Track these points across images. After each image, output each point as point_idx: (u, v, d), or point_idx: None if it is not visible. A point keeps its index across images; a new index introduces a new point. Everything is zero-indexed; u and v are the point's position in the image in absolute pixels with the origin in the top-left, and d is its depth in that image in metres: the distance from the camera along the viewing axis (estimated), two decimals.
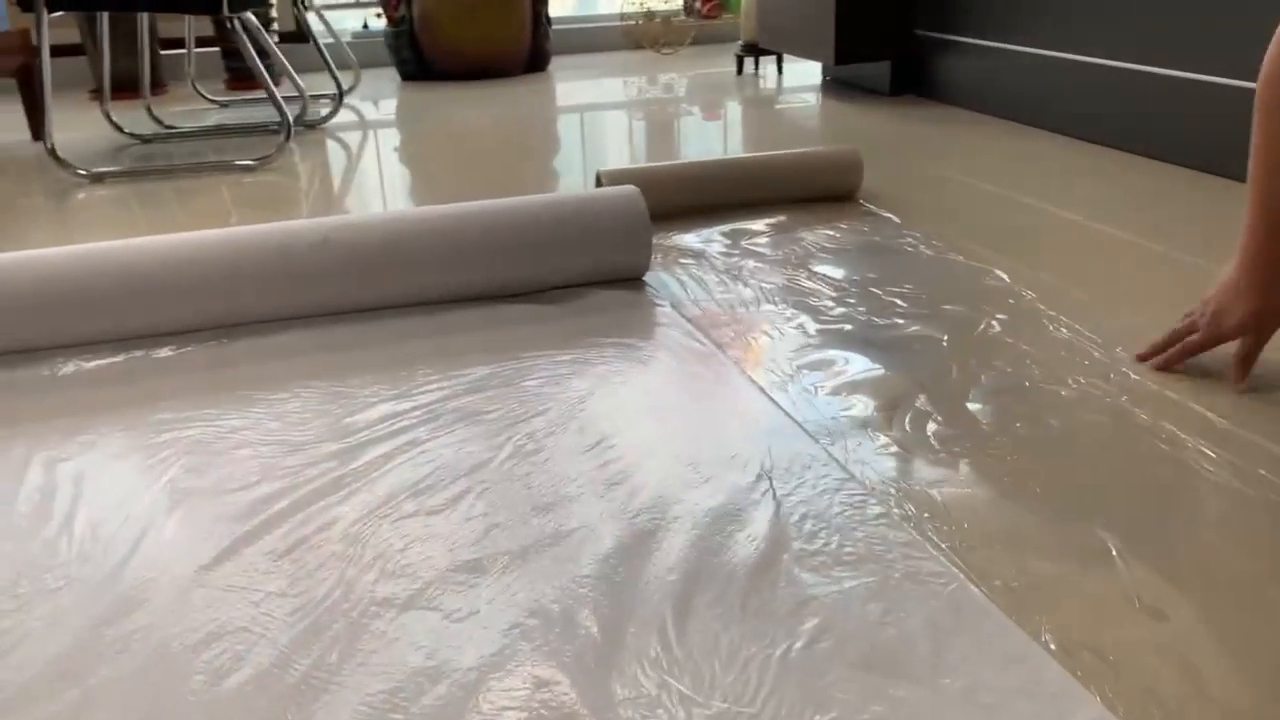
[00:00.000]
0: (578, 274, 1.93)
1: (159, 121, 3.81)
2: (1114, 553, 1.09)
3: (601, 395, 1.51)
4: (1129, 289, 1.86)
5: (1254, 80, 1.40)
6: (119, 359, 1.71)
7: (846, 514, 1.19)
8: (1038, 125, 3.23)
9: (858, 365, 1.60)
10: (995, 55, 3.38)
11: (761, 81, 4.61)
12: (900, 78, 3.87)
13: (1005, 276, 1.95)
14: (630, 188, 1.99)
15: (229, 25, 3.24)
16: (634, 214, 1.94)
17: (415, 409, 1.49)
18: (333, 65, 3.96)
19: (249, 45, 3.18)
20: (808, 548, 1.12)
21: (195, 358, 1.70)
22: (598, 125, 3.80)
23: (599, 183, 2.38)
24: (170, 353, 1.72)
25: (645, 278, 2.02)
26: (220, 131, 3.81)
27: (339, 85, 3.90)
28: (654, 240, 2.26)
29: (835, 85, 4.31)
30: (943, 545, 1.12)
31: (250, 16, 3.33)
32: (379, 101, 4.50)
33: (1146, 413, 1.40)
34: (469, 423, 1.44)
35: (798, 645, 0.97)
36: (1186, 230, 2.18)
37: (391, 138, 3.67)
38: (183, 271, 1.75)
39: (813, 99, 4.07)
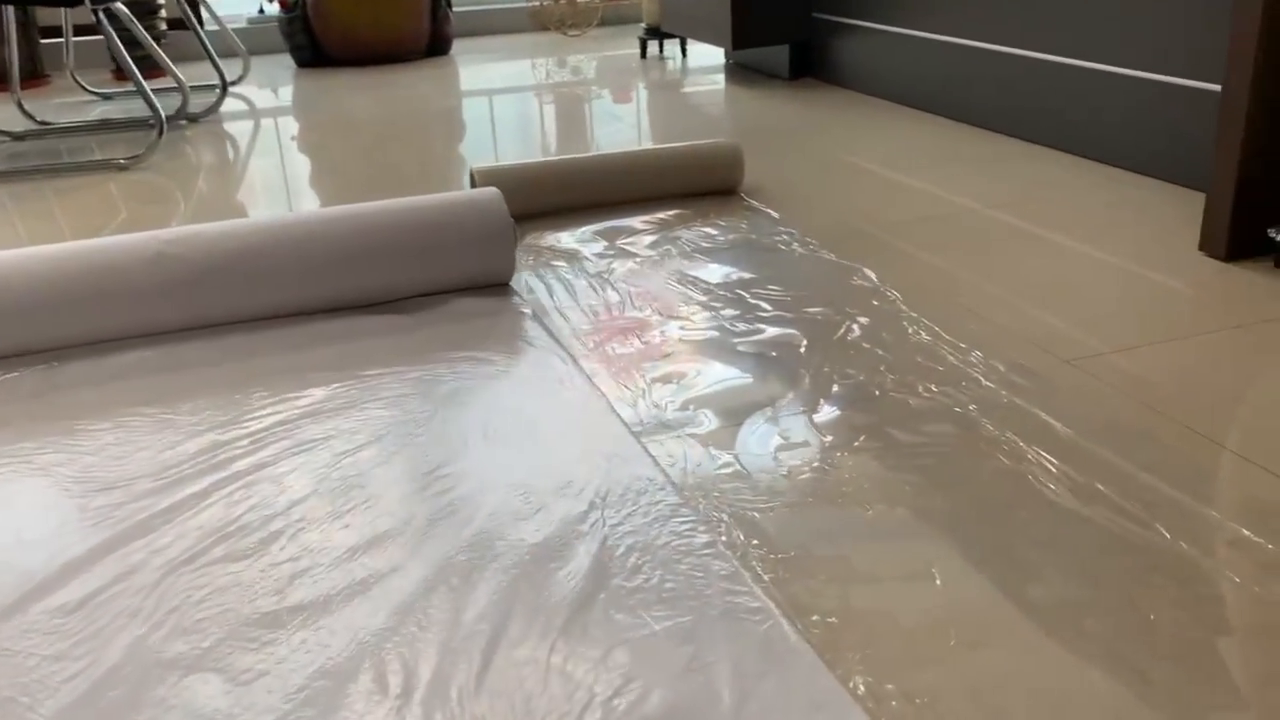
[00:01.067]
0: (437, 281, 1.86)
1: (30, 116, 3.64)
2: (938, 580, 1.07)
3: (443, 418, 1.45)
4: (1003, 280, 1.84)
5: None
6: None
7: (674, 544, 1.14)
8: (931, 110, 3.22)
9: (711, 376, 1.56)
10: (891, 40, 3.36)
11: (667, 64, 4.55)
12: (799, 62, 3.84)
13: (873, 276, 1.92)
14: (492, 190, 1.92)
15: (95, 17, 3.09)
16: (496, 217, 1.88)
17: (243, 437, 1.42)
18: (214, 55, 3.81)
19: (115, 37, 3.04)
20: (627, 584, 1.08)
21: (20, 384, 1.61)
22: (499, 111, 3.71)
23: (473, 181, 2.31)
24: None
25: (514, 281, 1.96)
26: (104, 126, 3.65)
27: (222, 76, 3.76)
28: (528, 240, 2.20)
29: (738, 69, 4.26)
30: (764, 578, 1.08)
31: (120, 7, 3.18)
32: (276, 89, 4.36)
33: (993, 422, 1.37)
34: (296, 452, 1.37)
35: (598, 699, 0.92)
36: (1061, 213, 2.18)
37: (283, 128, 3.55)
38: (9, 289, 1.65)
39: (714, 82, 4.02)
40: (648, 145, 2.47)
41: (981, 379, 1.49)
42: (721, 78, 4.12)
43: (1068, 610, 1.01)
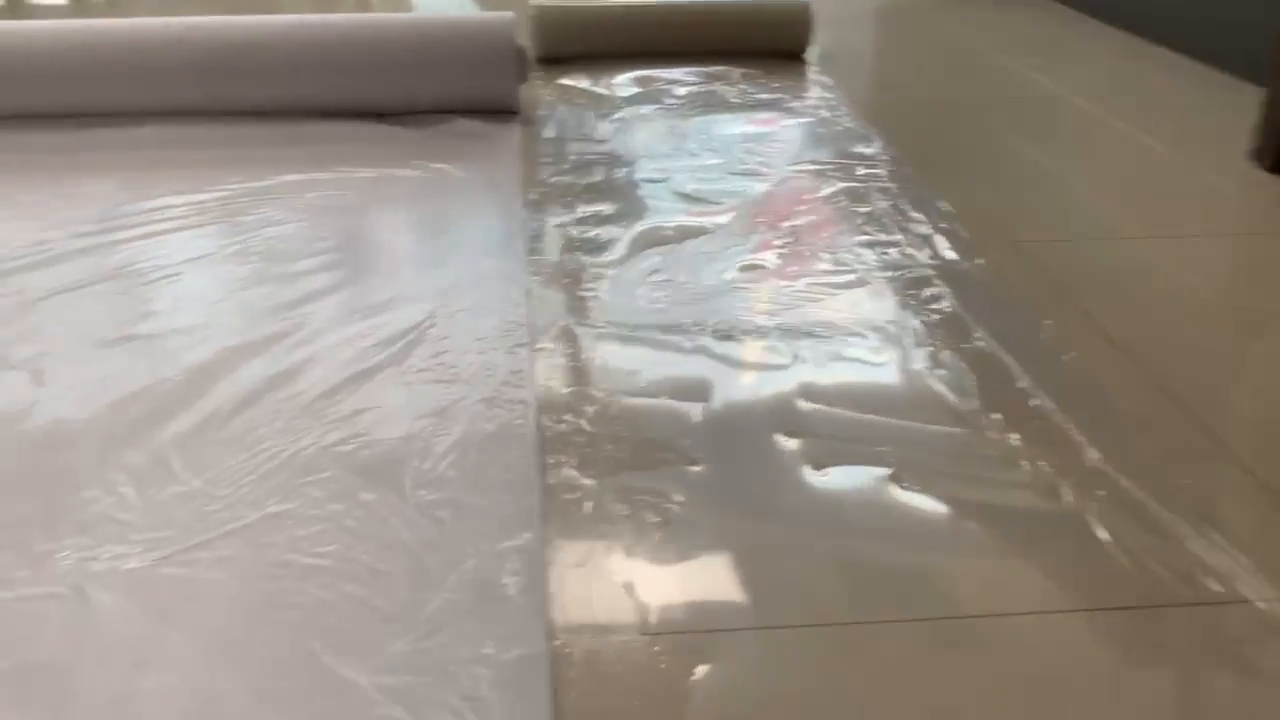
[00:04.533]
0: (436, 98, 1.90)
1: None
2: None
3: (364, 211, 1.52)
4: (1044, 158, 1.72)
5: None
6: None
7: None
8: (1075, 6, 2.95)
9: (636, 235, 1.54)
10: None
11: None
12: None
13: (880, 146, 1.83)
14: (505, 15, 1.93)
15: None
16: (501, 41, 1.89)
17: (188, 204, 1.53)
18: None
19: None
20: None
21: (45, 140, 1.78)
22: None
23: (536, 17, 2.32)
24: None
25: (537, 112, 1.98)
26: None
27: None
28: (567, 77, 2.20)
29: None
30: None
31: None
32: None
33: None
34: (217, 222, 1.48)
35: None
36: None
37: None
38: (50, 54, 1.81)
39: None
40: None
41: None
42: None
43: None
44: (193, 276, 1.34)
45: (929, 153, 1.82)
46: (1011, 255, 1.43)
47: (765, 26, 2.34)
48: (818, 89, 2.16)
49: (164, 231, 1.46)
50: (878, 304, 1.29)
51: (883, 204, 1.58)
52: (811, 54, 2.38)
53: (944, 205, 1.57)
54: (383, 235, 1.46)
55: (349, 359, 1.15)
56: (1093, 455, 1.00)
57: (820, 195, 1.61)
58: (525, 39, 2.08)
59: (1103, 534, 0.90)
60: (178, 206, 1.53)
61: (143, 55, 1.82)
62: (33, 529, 0.89)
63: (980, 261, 1.40)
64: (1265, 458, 1.00)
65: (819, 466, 0.99)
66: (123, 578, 0.84)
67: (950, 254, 1.42)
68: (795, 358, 1.16)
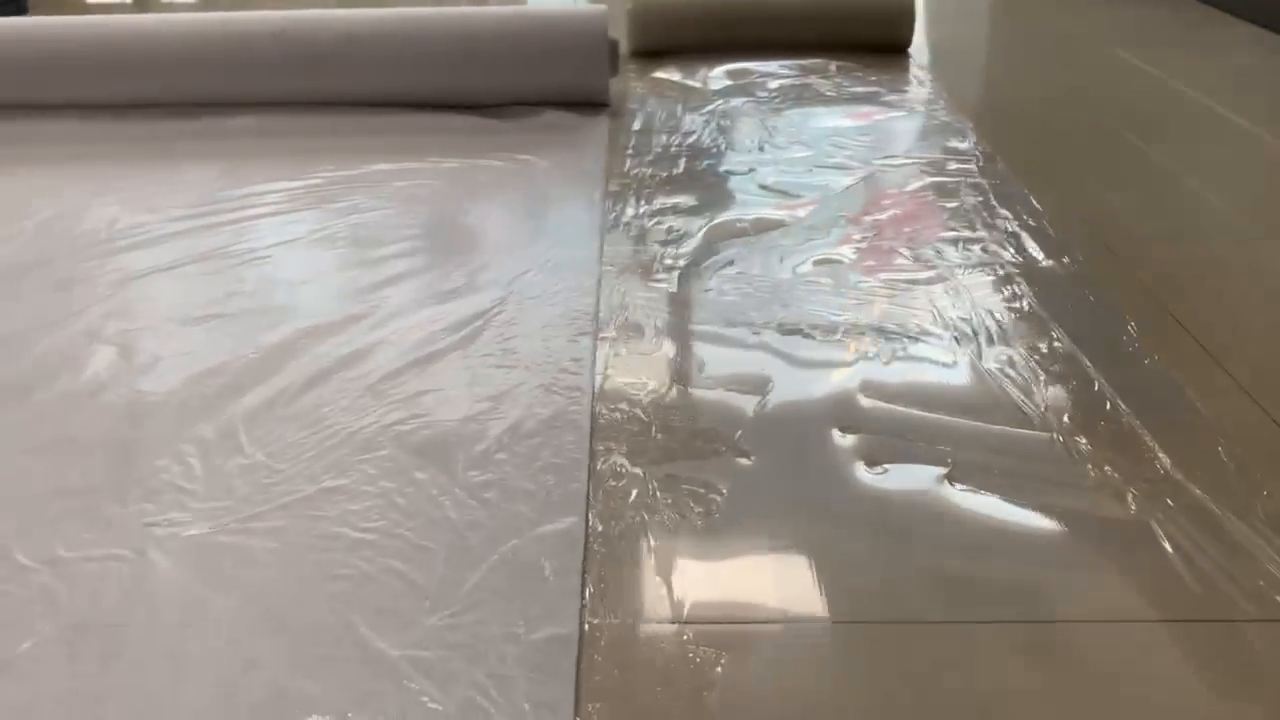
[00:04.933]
0: (526, 90, 1.93)
1: None
2: None
3: (447, 198, 1.55)
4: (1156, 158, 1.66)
5: None
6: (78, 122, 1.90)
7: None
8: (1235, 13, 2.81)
9: (710, 227, 1.54)
10: None
11: None
12: None
13: (971, 141, 1.78)
14: (599, 8, 1.94)
15: None
16: (592, 36, 1.90)
17: (279, 191, 1.58)
18: None
19: None
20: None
21: (138, 127, 1.86)
22: None
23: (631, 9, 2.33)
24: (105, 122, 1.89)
25: (627, 104, 1.99)
26: None
27: None
28: (660, 70, 2.21)
29: None
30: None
31: None
32: None
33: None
34: (310, 208, 1.52)
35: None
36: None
37: None
38: (158, 44, 1.89)
39: None
40: None
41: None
42: None
43: None
44: (280, 259, 1.39)
45: (1028, 149, 1.76)
46: (1102, 254, 1.37)
47: (866, 20, 2.29)
48: (916, 83, 2.11)
49: (257, 216, 1.51)
50: (955, 301, 1.25)
51: (971, 200, 1.54)
52: (919, 48, 2.33)
53: (1035, 202, 1.52)
54: (463, 223, 1.48)
55: (418, 341, 1.18)
56: (1164, 462, 0.95)
57: (907, 190, 1.58)
58: (621, 32, 2.09)
59: (1166, 544, 0.86)
60: (272, 193, 1.59)
61: (246, 47, 1.89)
62: (104, 495, 0.93)
63: (1066, 260, 1.35)
64: None
65: (873, 463, 0.97)
66: (181, 543, 0.87)
67: (1036, 252, 1.37)
68: (862, 354, 1.14)
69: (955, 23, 2.67)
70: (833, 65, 2.22)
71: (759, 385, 1.09)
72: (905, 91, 2.06)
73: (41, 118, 1.89)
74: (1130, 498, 0.91)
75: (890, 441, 1.00)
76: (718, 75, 2.18)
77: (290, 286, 1.32)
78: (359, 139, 1.81)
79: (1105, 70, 2.22)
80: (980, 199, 1.54)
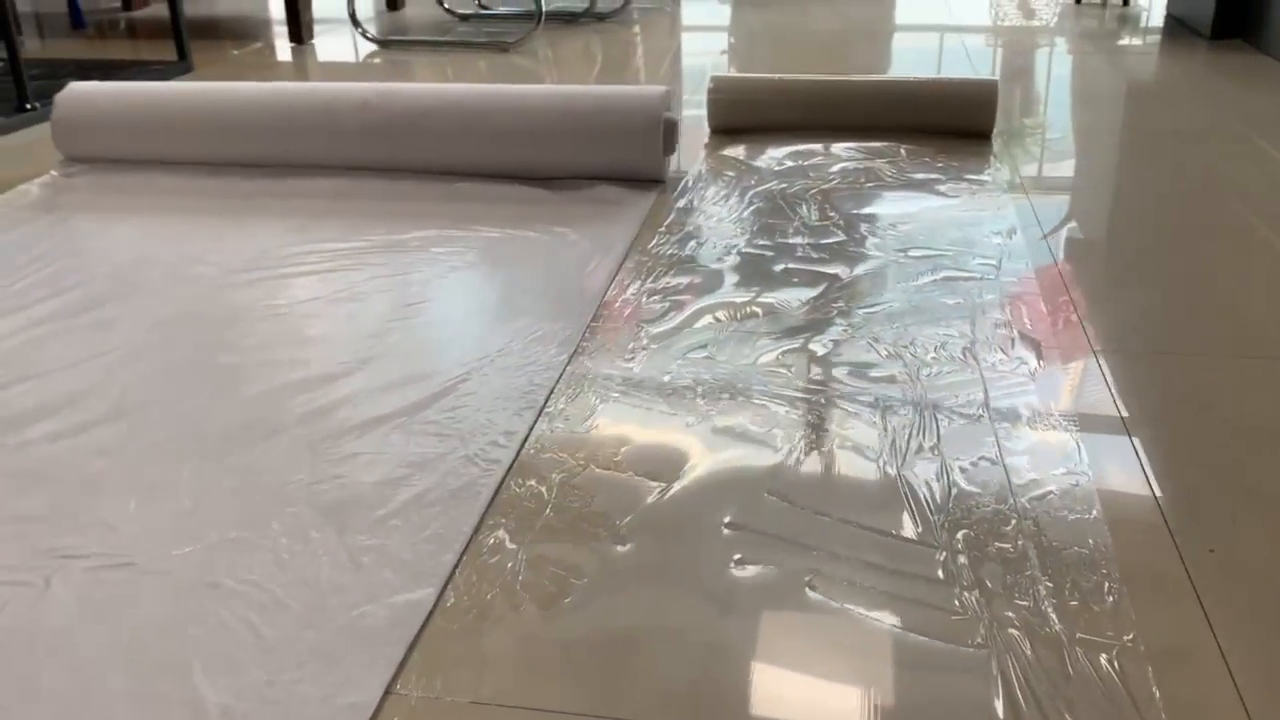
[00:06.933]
0: (579, 165, 2.01)
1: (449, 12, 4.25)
2: None
3: (474, 271, 1.63)
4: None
5: None
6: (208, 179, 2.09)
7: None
8: None
9: (700, 310, 1.56)
10: None
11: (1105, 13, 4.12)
12: (1227, 17, 3.29)
13: (1012, 239, 1.74)
14: (658, 89, 2.01)
15: None
16: (648, 115, 1.97)
17: (328, 251, 1.71)
18: None
19: None
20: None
21: (237, 185, 2.04)
22: (912, 45, 3.65)
23: (710, 86, 2.38)
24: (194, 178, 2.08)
25: (685, 185, 2.04)
26: (523, 16, 4.10)
27: None
28: (729, 147, 2.25)
29: (1172, 22, 3.75)
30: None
31: None
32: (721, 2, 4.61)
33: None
34: (355, 269, 1.64)
35: None
36: None
37: (678, 33, 3.81)
38: (238, 116, 2.08)
39: (1124, 39, 3.59)
40: (904, 75, 2.35)
41: None
42: (1140, 34, 3.66)
43: None
44: (292, 317, 1.50)
45: (1083, 251, 1.70)
46: (1088, 361, 1.32)
47: (946, 106, 2.27)
48: (987, 172, 2.07)
49: (294, 274, 1.64)
50: (903, 403, 1.23)
51: (978, 299, 1.50)
52: (1020, 134, 2.29)
53: (1042, 305, 1.47)
54: (469, 292, 1.56)
55: (375, 405, 1.25)
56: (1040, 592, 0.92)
57: (914, 283, 1.56)
58: (696, 109, 2.15)
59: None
60: (320, 253, 1.72)
61: (331, 116, 2.05)
62: (41, 524, 1.04)
63: (1045, 366, 1.31)
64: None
65: (741, 563, 0.97)
66: (83, 576, 0.97)
67: (1025, 352, 1.33)
68: (789, 449, 1.14)
69: (1072, 108, 2.60)
70: (903, 149, 2.21)
71: (670, 472, 1.11)
72: (967, 180, 2.02)
73: (144, 171, 2.12)
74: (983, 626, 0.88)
75: (767, 541, 1.00)
76: (782, 155, 2.20)
77: (287, 342, 1.42)
78: (418, 204, 1.93)
79: (1225, 170, 2.11)
80: (991, 296, 1.51)
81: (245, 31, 3.93)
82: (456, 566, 0.97)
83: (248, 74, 3.16)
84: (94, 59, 3.43)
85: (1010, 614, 0.89)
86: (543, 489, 1.09)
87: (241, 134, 2.08)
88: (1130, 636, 0.87)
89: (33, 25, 4.14)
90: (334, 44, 3.65)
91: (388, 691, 0.83)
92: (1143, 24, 3.81)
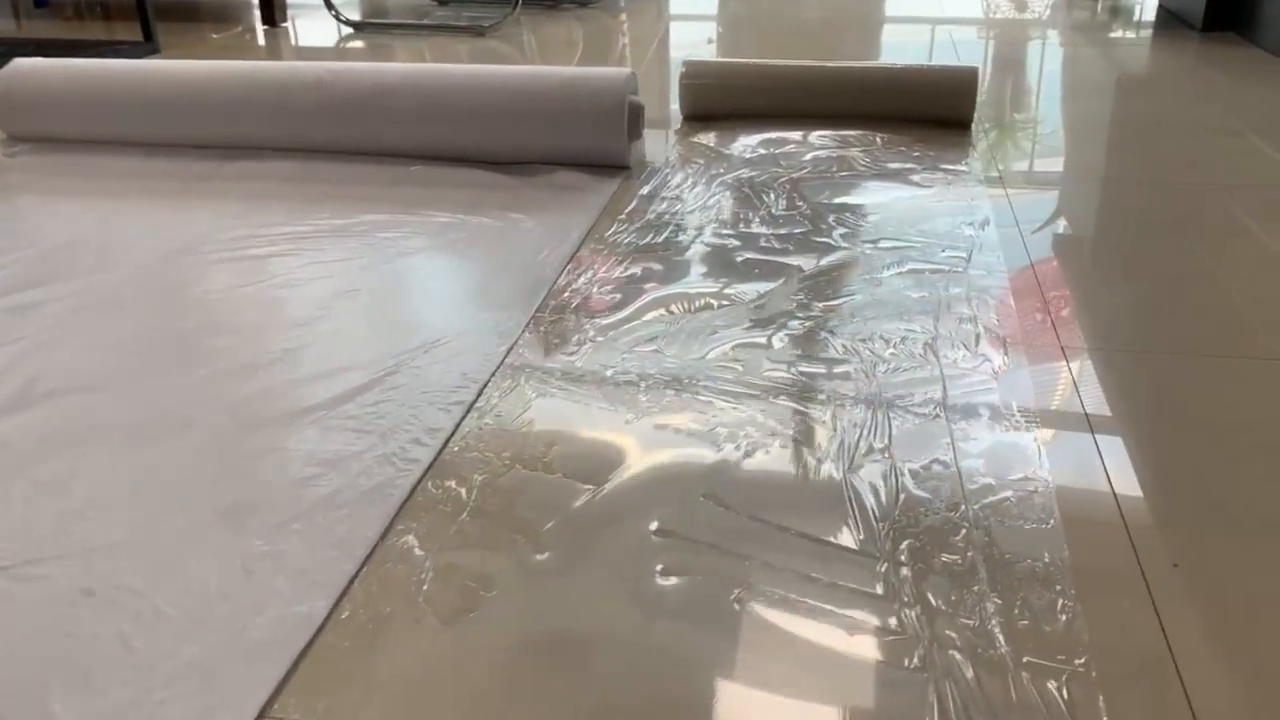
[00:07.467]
0: (542, 150, 1.93)
1: None
2: None
3: (419, 255, 1.55)
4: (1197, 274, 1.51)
5: None
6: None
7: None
8: None
9: (653, 301, 1.48)
10: None
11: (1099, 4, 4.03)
12: (1217, 11, 3.21)
13: (989, 218, 1.66)
14: (622, 70, 1.92)
15: None
16: (611, 98, 1.89)
17: (278, 235, 1.63)
18: None
19: None
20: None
21: (191, 167, 1.96)
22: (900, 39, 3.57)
23: (683, 71, 2.30)
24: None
25: (649, 171, 1.96)
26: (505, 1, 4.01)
27: None
28: (700, 135, 2.17)
29: (1164, 15, 3.67)
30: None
31: None
32: None
33: None
34: (293, 254, 1.56)
35: None
36: None
37: (664, 22, 3.72)
38: (198, 91, 2.00)
39: (1118, 32, 3.51)
40: (880, 62, 2.27)
41: None
42: (1134, 28, 3.58)
43: None
44: (223, 304, 1.42)
45: (1059, 245, 1.62)
46: (1056, 359, 1.24)
47: (924, 94, 2.19)
48: (964, 161, 2.00)
49: (231, 260, 1.56)
50: (854, 401, 1.16)
51: (944, 293, 1.43)
52: (1001, 124, 2.21)
53: (1011, 299, 1.39)
54: (410, 279, 1.48)
55: (295, 398, 1.17)
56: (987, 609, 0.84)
57: (879, 275, 1.48)
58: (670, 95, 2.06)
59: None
60: (260, 237, 1.64)
61: (285, 94, 1.96)
62: None
63: (1010, 364, 1.23)
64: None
65: (667, 573, 0.89)
66: None
67: (989, 349, 1.26)
68: (731, 449, 1.06)
69: (1062, 100, 2.52)
70: (879, 138, 2.13)
71: (602, 473, 1.03)
72: (942, 169, 1.94)
73: (90, 152, 2.04)
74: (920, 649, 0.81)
75: (697, 549, 0.92)
76: (754, 143, 2.12)
77: (216, 333, 1.34)
78: (369, 188, 1.85)
79: (1215, 161, 2.04)
80: (959, 290, 1.43)
81: (227, 15, 3.84)
82: (356, 576, 0.89)
83: (215, 56, 3.08)
84: (55, 39, 3.34)
85: (952, 634, 0.82)
86: (462, 490, 1.01)
87: (191, 114, 2.00)
88: (1082, 661, 0.79)
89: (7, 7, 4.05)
90: (311, 27, 3.57)
91: (262, 714, 0.75)
92: (1135, 17, 3.73)
